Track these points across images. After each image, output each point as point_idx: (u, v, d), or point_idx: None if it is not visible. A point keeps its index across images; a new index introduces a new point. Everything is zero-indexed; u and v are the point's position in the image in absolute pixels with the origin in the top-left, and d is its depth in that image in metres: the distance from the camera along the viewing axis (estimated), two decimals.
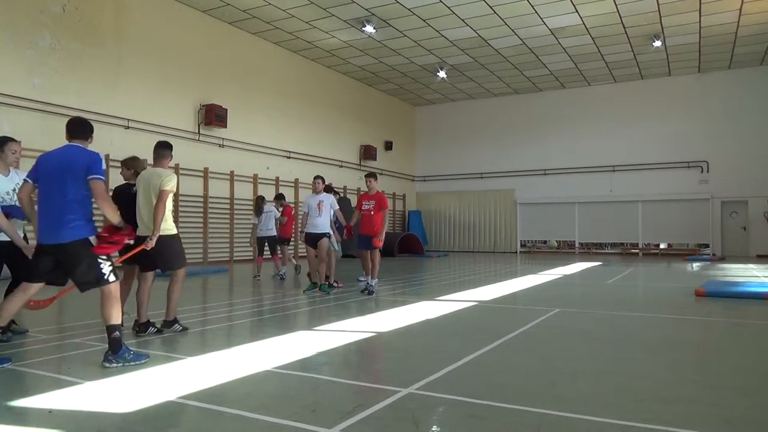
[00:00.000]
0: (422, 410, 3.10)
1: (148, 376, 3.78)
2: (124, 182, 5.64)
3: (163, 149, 5.42)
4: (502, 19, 15.76)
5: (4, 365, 3.96)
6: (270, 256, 11.18)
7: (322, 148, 20.02)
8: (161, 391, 3.42)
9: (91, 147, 4.28)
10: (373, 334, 5.38)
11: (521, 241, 24.32)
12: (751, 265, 15.34)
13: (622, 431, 2.78)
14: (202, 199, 15.27)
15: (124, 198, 5.34)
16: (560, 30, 16.60)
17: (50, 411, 3.07)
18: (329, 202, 8.71)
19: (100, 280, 4.03)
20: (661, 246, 22.28)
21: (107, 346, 4.06)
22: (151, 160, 5.55)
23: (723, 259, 18.67)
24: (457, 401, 3.24)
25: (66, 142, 4.23)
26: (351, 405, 3.17)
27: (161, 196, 5.03)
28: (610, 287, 10.07)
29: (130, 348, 4.18)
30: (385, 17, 15.60)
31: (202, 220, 15.30)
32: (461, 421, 2.95)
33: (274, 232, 10.99)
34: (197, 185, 15.16)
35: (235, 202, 16.22)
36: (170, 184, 5.10)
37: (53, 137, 11.86)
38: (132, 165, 5.60)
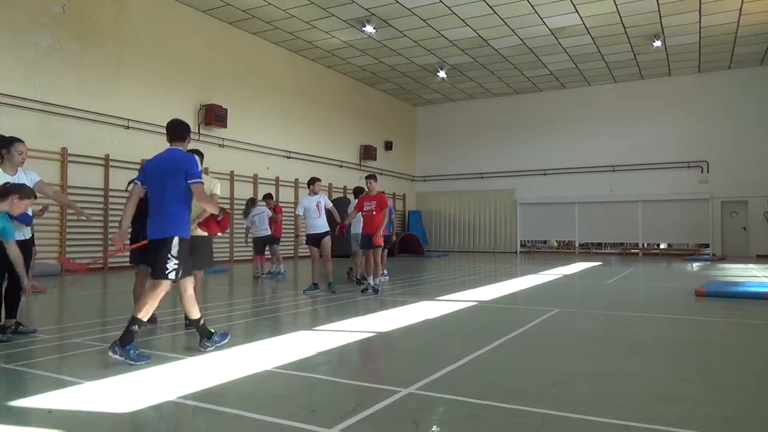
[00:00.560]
0: (422, 410, 3.10)
1: (148, 376, 3.78)
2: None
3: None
4: (502, 19, 15.76)
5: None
6: (269, 256, 11.21)
7: (322, 148, 20.02)
8: (161, 391, 3.42)
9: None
10: (373, 334, 5.39)
11: (521, 241, 24.31)
12: (751, 265, 15.34)
13: (622, 431, 2.78)
14: None
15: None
16: (560, 30, 16.60)
17: (50, 411, 3.07)
18: (324, 201, 9.00)
19: (160, 275, 4.29)
20: (661, 246, 22.29)
21: (120, 333, 4.15)
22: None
23: (723, 259, 18.65)
24: (457, 401, 3.24)
25: (167, 145, 4.54)
26: (351, 405, 3.17)
27: (213, 198, 5.35)
28: (610, 287, 10.07)
29: (138, 348, 4.20)
30: (385, 17, 15.60)
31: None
32: (461, 421, 2.95)
33: (269, 232, 11.13)
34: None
35: (235, 202, 16.21)
36: (217, 189, 5.67)
37: (53, 137, 11.89)
38: None
